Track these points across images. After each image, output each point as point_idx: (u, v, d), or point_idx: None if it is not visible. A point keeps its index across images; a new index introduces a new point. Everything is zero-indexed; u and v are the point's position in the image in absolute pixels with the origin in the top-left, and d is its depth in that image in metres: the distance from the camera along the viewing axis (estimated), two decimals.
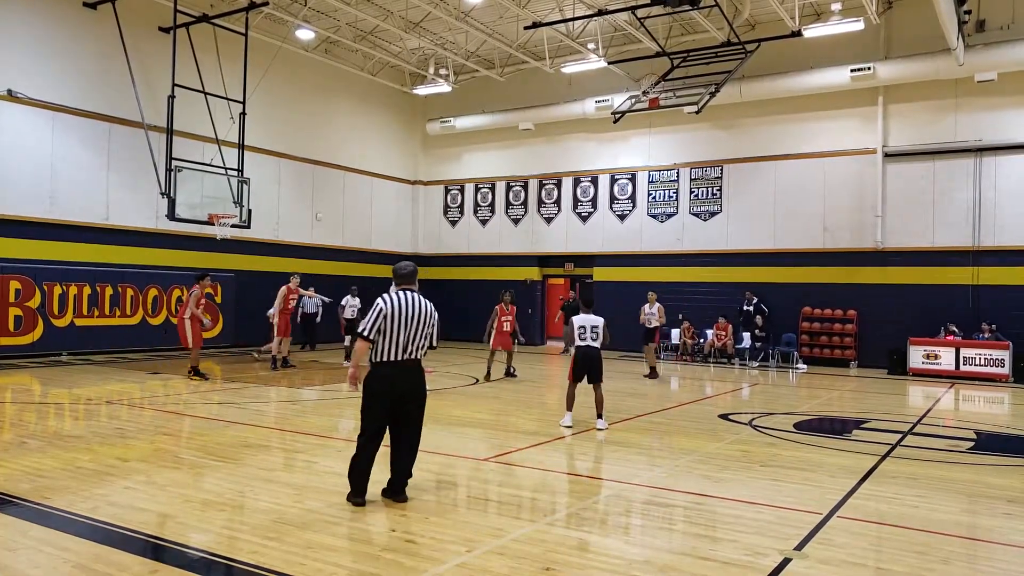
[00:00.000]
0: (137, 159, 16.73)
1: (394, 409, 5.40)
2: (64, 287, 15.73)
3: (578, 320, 9.06)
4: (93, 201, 16.34)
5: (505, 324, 13.78)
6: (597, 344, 8.95)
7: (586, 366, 8.88)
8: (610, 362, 18.45)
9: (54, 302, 15.54)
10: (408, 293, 5.50)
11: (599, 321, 9.05)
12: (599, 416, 8.84)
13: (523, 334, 15.52)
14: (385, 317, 5.33)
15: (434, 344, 5.61)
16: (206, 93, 17.02)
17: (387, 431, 5.49)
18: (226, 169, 17.05)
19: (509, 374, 14.09)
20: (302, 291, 15.46)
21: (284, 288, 14.41)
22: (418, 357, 5.47)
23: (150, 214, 17.20)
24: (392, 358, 5.36)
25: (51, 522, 4.90)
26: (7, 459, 6.61)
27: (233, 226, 16.97)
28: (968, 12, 16.23)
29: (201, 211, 16.36)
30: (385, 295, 5.44)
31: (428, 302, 5.57)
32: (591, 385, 8.94)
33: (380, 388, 5.37)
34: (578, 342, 8.93)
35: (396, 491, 5.52)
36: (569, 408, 8.94)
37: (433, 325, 5.55)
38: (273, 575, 4.07)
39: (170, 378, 12.84)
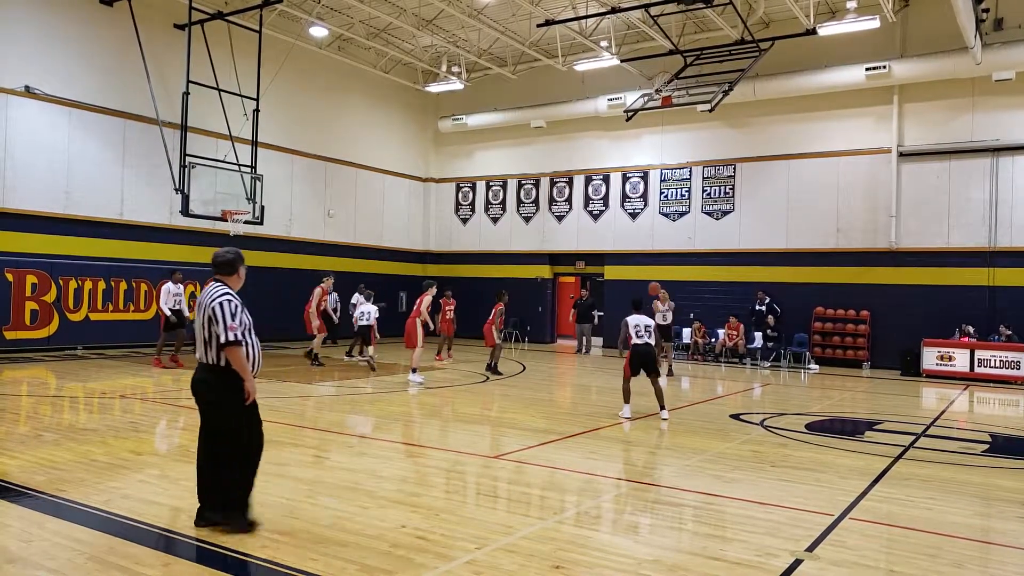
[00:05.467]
0: (152, 155, 16.86)
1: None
2: (79, 282, 15.88)
3: (633, 319, 9.67)
4: (108, 197, 16.47)
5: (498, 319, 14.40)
6: (652, 341, 9.62)
7: (642, 362, 9.54)
8: (620, 360, 18.45)
9: (69, 296, 15.70)
10: (209, 285, 4.81)
11: (651, 321, 9.76)
12: (662, 407, 9.58)
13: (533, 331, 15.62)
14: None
15: (222, 339, 4.55)
16: (220, 90, 17.12)
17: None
18: (239, 165, 17.16)
19: (493, 369, 14.21)
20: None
21: (318, 289, 15.03)
22: (207, 360, 4.68)
23: (164, 210, 17.33)
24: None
25: (66, 514, 4.96)
26: (23, 451, 6.68)
27: (246, 222, 17.08)
28: (986, 10, 16.07)
29: (214, 207, 16.48)
30: None
31: (215, 293, 4.68)
32: (649, 378, 9.63)
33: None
34: (635, 339, 9.54)
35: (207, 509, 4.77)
36: (627, 401, 9.69)
37: (209, 319, 4.62)
38: (284, 570, 4.09)
39: (182, 373, 12.93)
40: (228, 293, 4.70)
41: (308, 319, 15.01)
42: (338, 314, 19.13)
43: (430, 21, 19.47)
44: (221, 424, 4.72)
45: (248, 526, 4.68)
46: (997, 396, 13.81)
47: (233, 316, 4.60)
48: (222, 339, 4.57)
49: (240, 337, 4.61)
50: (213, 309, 4.60)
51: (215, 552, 4.36)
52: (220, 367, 4.65)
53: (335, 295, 18.63)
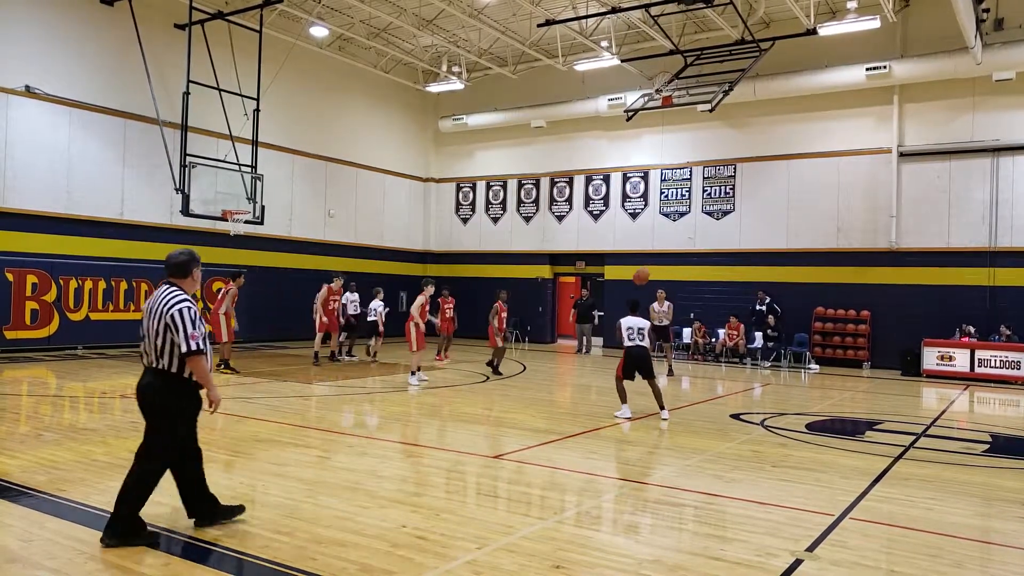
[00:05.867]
0: (152, 155, 16.87)
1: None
2: (80, 281, 15.89)
3: (626, 321, 9.56)
4: (109, 196, 16.48)
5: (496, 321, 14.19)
6: (645, 343, 9.52)
7: (635, 364, 9.44)
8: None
9: (70, 296, 15.70)
10: (160, 287, 4.60)
11: (645, 323, 9.66)
12: (662, 407, 9.51)
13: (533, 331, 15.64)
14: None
15: (183, 348, 4.38)
16: (220, 90, 17.13)
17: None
18: (240, 165, 17.17)
19: (494, 369, 14.14)
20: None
21: (324, 289, 14.98)
22: (156, 366, 4.46)
23: (164, 210, 17.33)
24: (143, 365, 4.61)
25: (66, 514, 4.96)
26: (23, 451, 6.68)
27: (246, 222, 17.10)
28: (986, 10, 16.06)
29: (215, 207, 16.49)
30: None
31: (172, 299, 4.46)
32: (646, 380, 9.60)
33: None
34: (627, 342, 9.45)
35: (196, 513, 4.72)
36: (624, 401, 9.58)
37: (166, 326, 4.40)
38: (284, 570, 4.10)
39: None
40: (186, 299, 4.50)
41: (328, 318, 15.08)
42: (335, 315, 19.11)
43: (430, 21, 19.47)
44: (164, 432, 4.52)
45: (152, 540, 4.45)
46: (997, 396, 13.81)
47: (194, 324, 4.41)
48: (184, 348, 4.38)
49: (203, 346, 4.45)
50: (172, 316, 4.38)
51: (215, 551, 4.36)
52: (171, 373, 4.45)
53: (356, 295, 18.71)
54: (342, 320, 16.11)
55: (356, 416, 9.52)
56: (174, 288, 4.56)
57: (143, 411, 4.56)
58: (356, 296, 16.51)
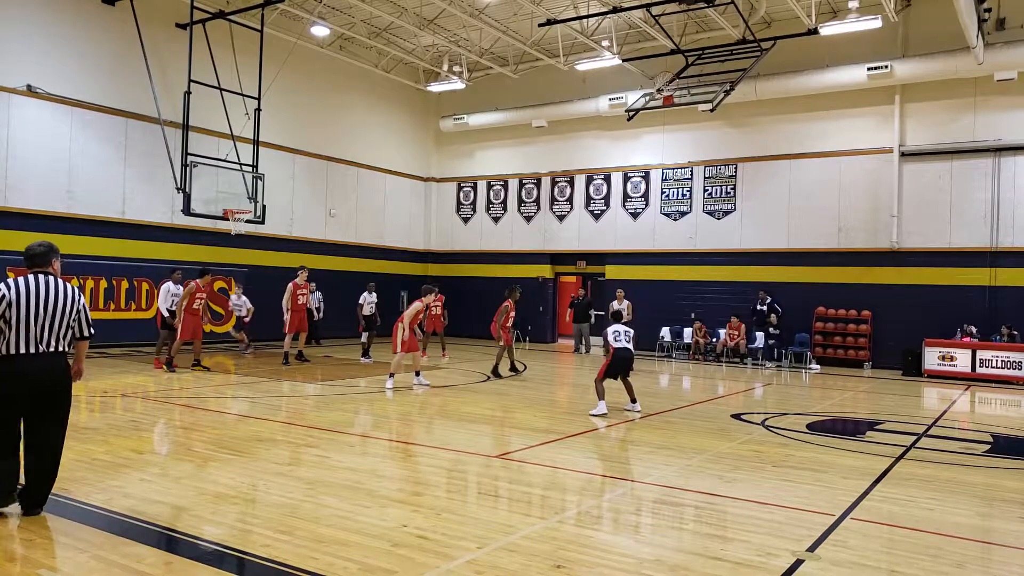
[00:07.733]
0: (153, 154, 16.88)
1: (28, 408, 4.76)
2: (80, 280, 15.86)
3: (612, 328, 10.11)
4: (110, 196, 16.48)
5: (510, 320, 13.88)
6: (631, 345, 10.02)
7: (621, 366, 9.95)
8: None
9: None
10: (41, 276, 4.89)
11: (630, 329, 10.26)
12: (633, 400, 10.00)
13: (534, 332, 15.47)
14: (10, 305, 4.72)
15: (86, 333, 5.05)
16: (222, 89, 17.14)
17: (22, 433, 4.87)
18: (241, 165, 17.17)
19: (514, 370, 13.86)
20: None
21: (290, 286, 14.83)
22: (59, 349, 4.86)
23: (166, 209, 17.34)
24: (23, 351, 4.71)
25: (68, 513, 4.96)
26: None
27: (248, 221, 17.10)
28: (988, 10, 16.05)
29: (216, 206, 16.50)
30: (8, 280, 4.86)
31: (69, 286, 4.97)
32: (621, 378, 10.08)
33: (7, 385, 4.68)
34: (614, 344, 9.92)
35: (31, 501, 4.85)
36: (601, 398, 9.80)
37: (78, 312, 4.96)
38: (285, 569, 4.10)
39: (184, 371, 12.96)
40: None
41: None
42: (320, 313, 19.06)
43: (431, 20, 19.47)
44: (64, 409, 4.97)
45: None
46: (999, 396, 13.79)
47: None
48: (91, 331, 5.07)
49: None
50: (84, 304, 5.02)
51: (216, 551, 4.37)
52: (65, 354, 4.94)
53: (319, 294, 18.66)
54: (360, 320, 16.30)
55: (357, 415, 9.52)
56: (58, 278, 4.98)
57: (56, 395, 4.88)
58: (374, 297, 16.47)
